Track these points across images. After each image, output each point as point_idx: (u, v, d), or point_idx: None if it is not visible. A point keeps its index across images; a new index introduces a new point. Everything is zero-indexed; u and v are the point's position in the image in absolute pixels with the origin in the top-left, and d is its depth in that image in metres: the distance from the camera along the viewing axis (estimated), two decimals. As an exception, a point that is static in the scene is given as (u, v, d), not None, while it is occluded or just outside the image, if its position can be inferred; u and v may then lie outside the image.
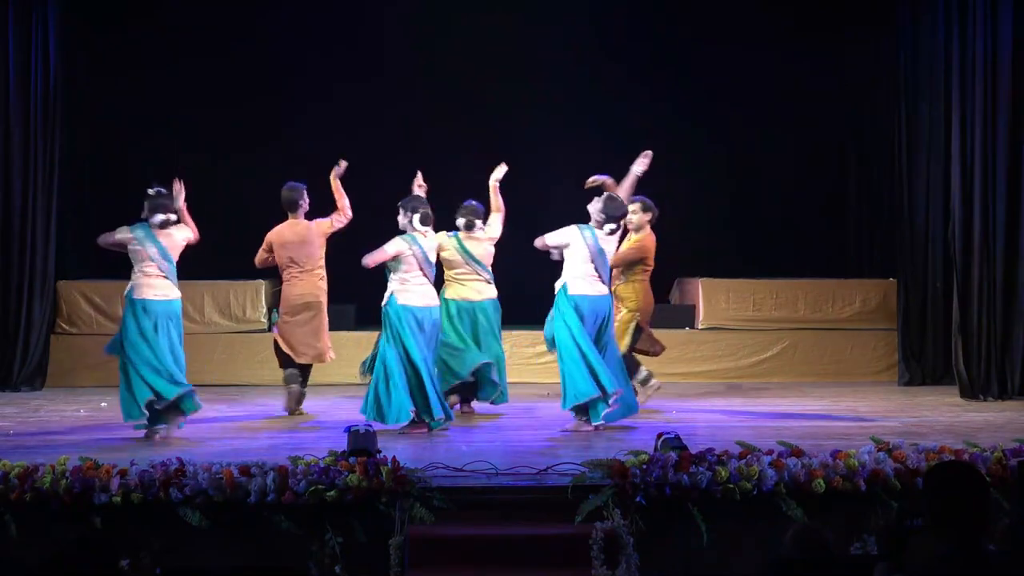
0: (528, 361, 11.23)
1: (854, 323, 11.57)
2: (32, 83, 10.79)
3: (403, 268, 8.39)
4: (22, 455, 6.97)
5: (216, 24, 12.24)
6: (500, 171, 9.35)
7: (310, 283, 9.24)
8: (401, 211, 8.54)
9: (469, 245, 9.21)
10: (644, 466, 6.43)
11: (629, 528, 6.25)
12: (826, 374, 11.35)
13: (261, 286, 11.49)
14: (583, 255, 8.44)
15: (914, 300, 10.86)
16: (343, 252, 9.41)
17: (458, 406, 9.24)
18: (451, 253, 9.17)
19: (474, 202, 9.39)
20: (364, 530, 6.31)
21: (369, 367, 8.79)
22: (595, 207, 8.50)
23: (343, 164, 9.21)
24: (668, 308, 11.84)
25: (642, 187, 9.08)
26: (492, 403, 9.24)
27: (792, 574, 4.58)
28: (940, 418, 9.03)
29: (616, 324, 8.87)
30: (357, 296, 11.04)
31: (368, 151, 12.14)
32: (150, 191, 8.40)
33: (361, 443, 6.77)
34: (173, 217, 8.35)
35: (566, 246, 8.53)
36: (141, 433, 8.16)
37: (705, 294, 11.67)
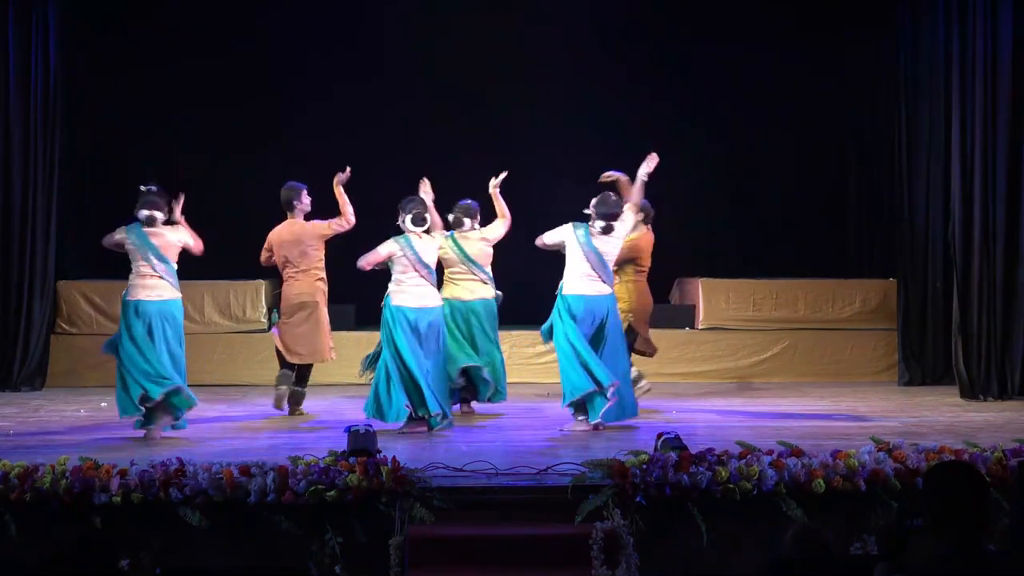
0: (528, 361, 11.23)
1: (854, 323, 11.57)
2: (32, 83, 10.79)
3: (398, 269, 8.49)
4: (22, 455, 6.97)
5: (216, 24, 12.24)
6: (499, 178, 9.31)
7: (306, 283, 9.25)
8: (399, 212, 8.58)
9: (464, 244, 9.20)
10: (644, 466, 6.43)
11: (629, 528, 6.25)
12: (826, 374, 11.35)
13: (261, 286, 11.49)
14: (577, 254, 8.49)
15: (914, 300, 10.86)
16: (343, 253, 9.42)
17: (458, 406, 9.23)
18: (447, 252, 9.17)
19: (469, 201, 9.38)
20: (364, 530, 6.32)
21: (369, 365, 8.86)
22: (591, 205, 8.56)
23: (347, 171, 9.19)
24: (668, 308, 11.84)
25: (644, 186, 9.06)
26: (489, 401, 9.24)
27: (792, 574, 4.58)
28: (940, 418, 9.03)
29: None
30: (357, 296, 11.05)
31: (368, 151, 12.15)
32: (142, 188, 8.41)
33: (361, 443, 6.77)
34: (159, 215, 8.31)
35: (561, 245, 8.57)
36: (141, 432, 8.18)
37: (705, 294, 11.67)
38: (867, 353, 11.42)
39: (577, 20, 12.49)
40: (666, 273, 11.27)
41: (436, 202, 9.07)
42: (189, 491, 6.35)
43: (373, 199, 9.85)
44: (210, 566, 6.14)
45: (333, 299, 9.61)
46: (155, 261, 8.25)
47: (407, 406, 8.28)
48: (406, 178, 9.40)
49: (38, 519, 6.38)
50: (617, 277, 9.13)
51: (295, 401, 9.27)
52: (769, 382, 11.22)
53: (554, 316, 8.54)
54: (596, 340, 8.44)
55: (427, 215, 8.58)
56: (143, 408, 8.11)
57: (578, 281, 8.47)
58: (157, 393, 8.08)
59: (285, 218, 9.35)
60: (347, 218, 9.16)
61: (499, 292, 9.40)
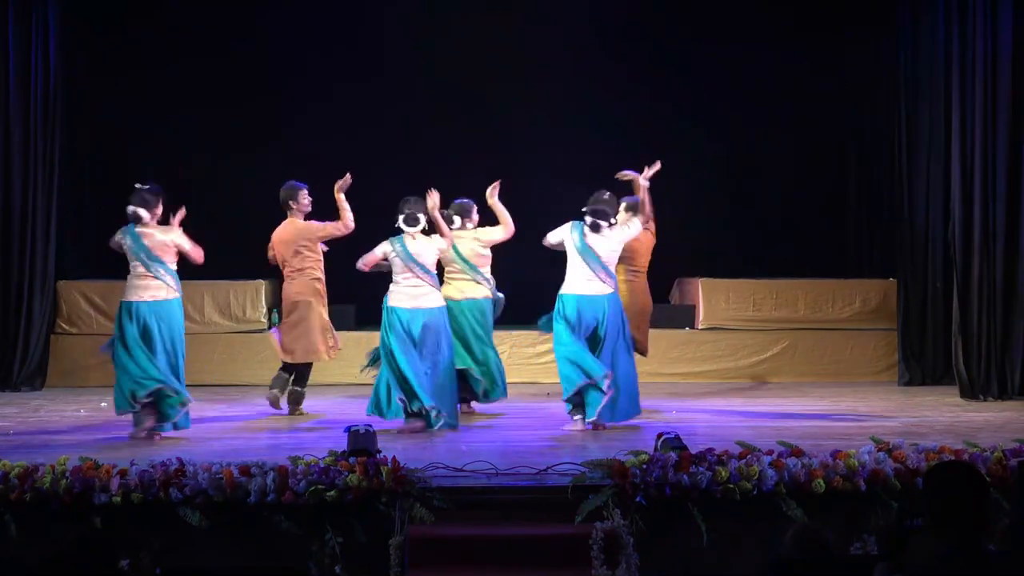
0: (528, 361, 11.23)
1: (854, 323, 11.56)
2: (32, 83, 10.79)
3: (395, 270, 8.59)
4: (22, 455, 6.96)
5: (216, 24, 12.24)
6: (493, 186, 9.29)
7: (301, 283, 9.26)
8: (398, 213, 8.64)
9: (456, 243, 9.18)
10: (644, 466, 6.43)
11: (629, 528, 6.25)
12: (826, 374, 11.35)
13: (261, 286, 11.49)
14: (573, 253, 8.54)
15: (914, 300, 10.86)
16: (343, 253, 9.42)
17: (458, 406, 9.22)
18: (444, 251, 9.15)
19: (465, 200, 9.37)
20: (364, 530, 6.32)
21: (371, 362, 8.94)
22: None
23: (347, 178, 9.18)
24: (668, 308, 11.84)
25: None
26: (487, 398, 9.23)
27: (792, 574, 4.58)
28: (940, 418, 9.03)
29: None
30: (357, 296, 11.07)
31: (368, 151, 12.17)
32: (136, 186, 8.41)
33: (361, 443, 6.78)
34: (143, 212, 8.28)
35: (561, 244, 8.61)
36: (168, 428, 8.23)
37: (705, 294, 11.67)
38: (867, 353, 11.42)
39: (577, 20, 12.49)
40: (666, 273, 11.27)
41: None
42: (189, 491, 6.35)
43: (373, 199, 9.84)
44: (210, 566, 6.14)
45: (333, 299, 9.61)
46: (148, 261, 8.26)
47: (400, 399, 8.33)
48: (406, 178, 9.42)
49: (38, 519, 6.38)
50: None
51: (295, 401, 9.27)
52: (769, 382, 11.21)
53: (553, 314, 8.58)
54: (594, 339, 8.44)
55: (419, 215, 8.56)
56: (137, 406, 8.14)
57: (575, 280, 8.50)
58: (141, 393, 8.10)
59: (286, 218, 9.36)
60: (345, 223, 9.16)
61: (500, 294, 9.37)
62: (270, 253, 9.43)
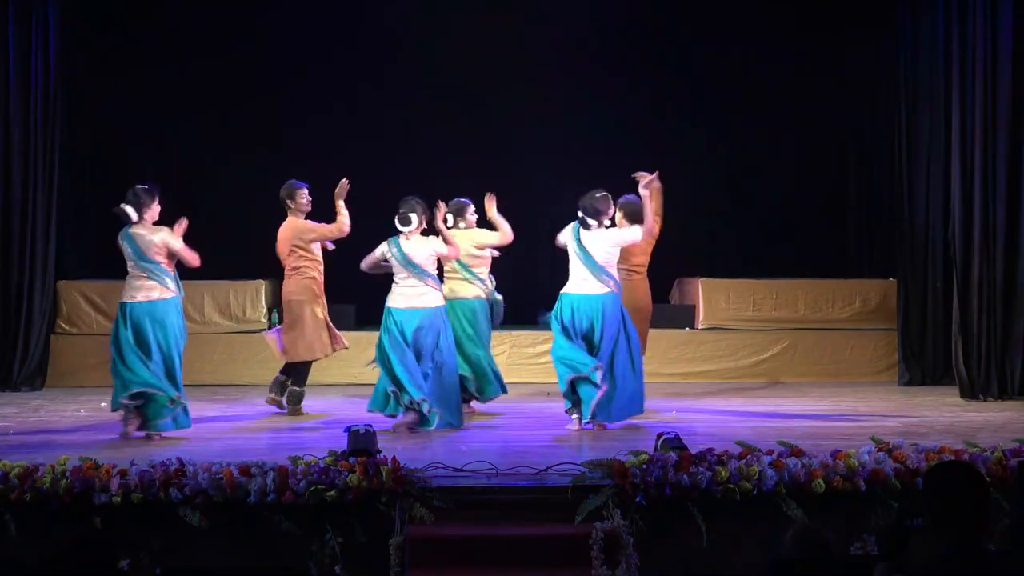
0: (528, 361, 11.23)
1: (854, 323, 11.56)
2: (32, 83, 10.79)
3: (394, 270, 8.65)
4: (22, 455, 6.96)
5: (216, 24, 12.24)
6: (491, 202, 9.32)
7: (295, 283, 9.28)
8: None
9: None
10: (644, 466, 6.43)
11: (629, 528, 6.25)
12: (826, 374, 11.34)
13: (261, 286, 11.49)
14: (571, 253, 8.57)
15: (914, 300, 10.86)
16: (344, 253, 9.44)
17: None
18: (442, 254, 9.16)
19: (462, 199, 9.37)
20: (364, 530, 6.32)
21: (375, 359, 8.96)
22: None
23: (344, 184, 9.18)
24: (668, 308, 11.83)
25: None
26: (479, 395, 9.24)
27: (792, 574, 4.58)
28: (940, 418, 9.03)
29: None
30: (357, 296, 11.06)
31: (368, 151, 12.18)
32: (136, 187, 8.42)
33: (361, 443, 6.78)
34: (131, 210, 8.27)
35: (564, 245, 8.63)
36: (140, 432, 8.19)
37: (705, 294, 11.67)
38: (867, 353, 11.42)
39: (577, 20, 12.49)
40: (666, 273, 11.27)
41: (435, 202, 9.06)
42: (189, 491, 6.35)
43: (373, 199, 9.86)
44: (210, 566, 6.14)
45: (333, 299, 9.61)
46: (140, 262, 8.27)
47: (391, 391, 8.42)
48: (406, 178, 9.42)
49: (38, 519, 6.38)
50: None
51: (294, 400, 9.28)
52: (769, 382, 11.21)
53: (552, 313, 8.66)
54: (591, 339, 8.43)
55: (411, 215, 8.58)
56: (130, 404, 8.17)
57: (572, 280, 8.55)
58: (122, 395, 8.15)
59: (286, 217, 9.38)
60: (339, 226, 9.17)
61: (498, 297, 9.36)
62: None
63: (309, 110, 12.40)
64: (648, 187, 8.59)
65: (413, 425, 8.36)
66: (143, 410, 8.18)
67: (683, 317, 11.71)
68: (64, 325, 11.30)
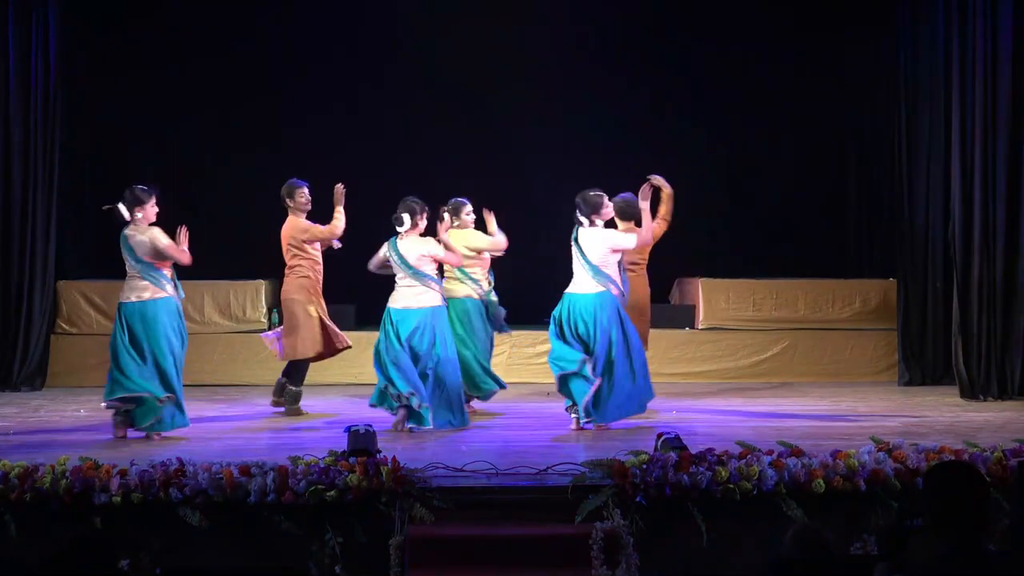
0: (528, 361, 11.23)
1: (854, 323, 11.56)
2: (32, 83, 10.79)
3: (394, 270, 8.69)
4: (22, 455, 6.96)
5: (216, 24, 12.24)
6: (491, 217, 9.39)
7: (290, 282, 9.31)
8: None
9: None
10: (644, 466, 6.43)
11: (629, 528, 6.24)
12: (826, 374, 11.34)
13: (261, 286, 11.49)
14: (573, 252, 8.56)
15: (914, 300, 10.86)
16: (344, 253, 9.44)
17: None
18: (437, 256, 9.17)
19: (459, 199, 9.37)
20: (364, 530, 6.31)
21: None
22: None
23: (340, 189, 9.18)
24: (668, 308, 11.84)
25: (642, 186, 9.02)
26: (476, 390, 9.25)
27: (792, 574, 4.58)
28: (940, 418, 9.03)
29: None
30: (357, 296, 11.06)
31: (368, 151, 12.18)
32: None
33: (361, 443, 6.78)
34: (124, 209, 8.28)
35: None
36: (140, 433, 8.20)
37: (705, 294, 11.67)
38: (867, 353, 11.41)
39: (577, 20, 12.49)
40: (666, 273, 11.27)
41: (436, 203, 9.07)
42: (189, 491, 6.34)
43: (373, 199, 9.85)
44: (210, 566, 6.14)
45: (334, 299, 9.61)
46: (133, 262, 8.28)
47: (384, 387, 8.47)
48: (406, 178, 9.42)
49: (38, 519, 6.38)
50: None
51: (292, 399, 9.28)
52: (769, 382, 11.21)
53: None
54: (585, 339, 8.43)
55: (404, 215, 8.62)
56: (115, 405, 8.20)
57: (573, 279, 8.56)
58: (111, 397, 8.17)
59: (287, 216, 9.39)
60: (332, 228, 9.17)
61: (493, 298, 9.36)
62: None
63: (309, 110, 12.40)
64: (647, 197, 8.58)
65: (403, 421, 8.39)
66: (132, 413, 8.19)
67: (683, 317, 11.71)
68: (64, 325, 11.30)
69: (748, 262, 12.33)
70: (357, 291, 10.73)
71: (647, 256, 9.37)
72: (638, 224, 8.84)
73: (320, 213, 9.35)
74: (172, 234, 8.36)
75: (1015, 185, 10.16)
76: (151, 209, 8.35)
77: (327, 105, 12.46)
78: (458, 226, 9.26)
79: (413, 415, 8.41)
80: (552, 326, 8.55)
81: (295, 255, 9.23)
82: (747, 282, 11.72)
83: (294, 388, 9.30)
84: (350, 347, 9.57)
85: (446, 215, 9.16)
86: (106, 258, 9.20)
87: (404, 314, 8.54)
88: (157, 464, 6.50)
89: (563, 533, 6.33)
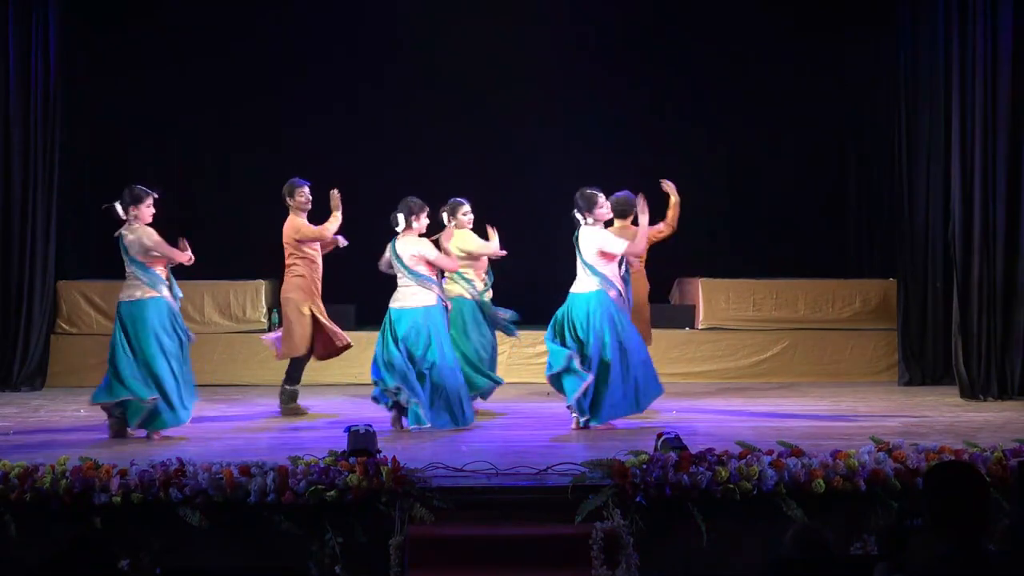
0: (528, 361, 11.23)
1: (854, 323, 11.56)
2: (32, 83, 10.79)
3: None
4: (22, 455, 6.96)
5: (216, 24, 12.25)
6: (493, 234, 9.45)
7: (287, 281, 9.36)
8: None
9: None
10: (644, 466, 6.43)
11: (629, 528, 6.24)
12: (826, 374, 11.34)
13: (261, 286, 11.49)
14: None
15: (914, 300, 10.86)
16: (344, 253, 9.44)
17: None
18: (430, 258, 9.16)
19: (458, 199, 9.37)
20: (364, 530, 6.31)
21: None
22: None
23: (336, 194, 9.19)
24: (668, 308, 11.84)
25: (642, 187, 9.00)
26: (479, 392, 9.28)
27: (792, 574, 4.58)
28: (940, 418, 9.03)
29: None
30: (357, 296, 11.06)
31: (368, 151, 12.18)
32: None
33: (361, 443, 6.78)
34: (119, 209, 8.29)
35: None
36: (142, 433, 8.20)
37: (705, 294, 11.67)
38: (867, 353, 11.42)
39: (577, 20, 12.49)
40: (666, 273, 11.27)
41: (435, 203, 9.07)
42: (189, 491, 6.34)
43: (373, 199, 9.85)
44: (210, 566, 6.14)
45: (334, 299, 9.60)
46: (127, 261, 8.31)
47: (376, 380, 8.55)
48: (406, 178, 9.42)
49: (38, 519, 6.37)
50: None
51: (289, 399, 9.29)
52: (769, 382, 11.22)
53: None
54: (580, 338, 8.44)
55: (399, 215, 8.64)
56: (108, 407, 8.24)
57: (576, 278, 8.53)
58: (102, 398, 8.20)
59: (286, 215, 9.39)
60: (322, 230, 9.19)
61: (486, 299, 9.35)
62: None
63: (309, 110, 12.40)
64: (645, 211, 8.57)
65: (397, 420, 8.44)
66: (124, 414, 8.21)
67: (683, 317, 11.71)
68: (64, 325, 11.30)
69: (748, 262, 12.33)
70: (357, 291, 10.74)
71: (644, 256, 9.36)
72: (635, 222, 8.85)
73: (320, 213, 9.35)
74: (172, 239, 8.36)
75: (1015, 185, 10.16)
76: (146, 209, 8.33)
77: (327, 105, 12.46)
78: (455, 226, 9.26)
79: (410, 414, 8.41)
80: (548, 330, 8.56)
81: (292, 254, 9.25)
82: (747, 282, 11.72)
83: (289, 387, 9.29)
84: (351, 346, 9.56)
85: (444, 215, 9.17)
86: (106, 258, 9.20)
87: (400, 314, 8.58)
88: (157, 464, 6.50)
89: (563, 533, 6.33)
